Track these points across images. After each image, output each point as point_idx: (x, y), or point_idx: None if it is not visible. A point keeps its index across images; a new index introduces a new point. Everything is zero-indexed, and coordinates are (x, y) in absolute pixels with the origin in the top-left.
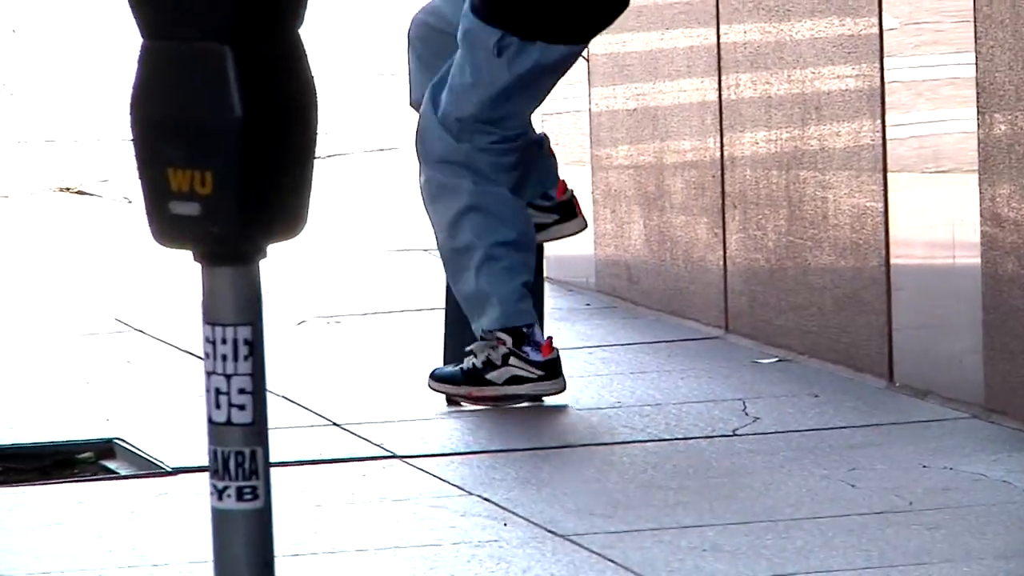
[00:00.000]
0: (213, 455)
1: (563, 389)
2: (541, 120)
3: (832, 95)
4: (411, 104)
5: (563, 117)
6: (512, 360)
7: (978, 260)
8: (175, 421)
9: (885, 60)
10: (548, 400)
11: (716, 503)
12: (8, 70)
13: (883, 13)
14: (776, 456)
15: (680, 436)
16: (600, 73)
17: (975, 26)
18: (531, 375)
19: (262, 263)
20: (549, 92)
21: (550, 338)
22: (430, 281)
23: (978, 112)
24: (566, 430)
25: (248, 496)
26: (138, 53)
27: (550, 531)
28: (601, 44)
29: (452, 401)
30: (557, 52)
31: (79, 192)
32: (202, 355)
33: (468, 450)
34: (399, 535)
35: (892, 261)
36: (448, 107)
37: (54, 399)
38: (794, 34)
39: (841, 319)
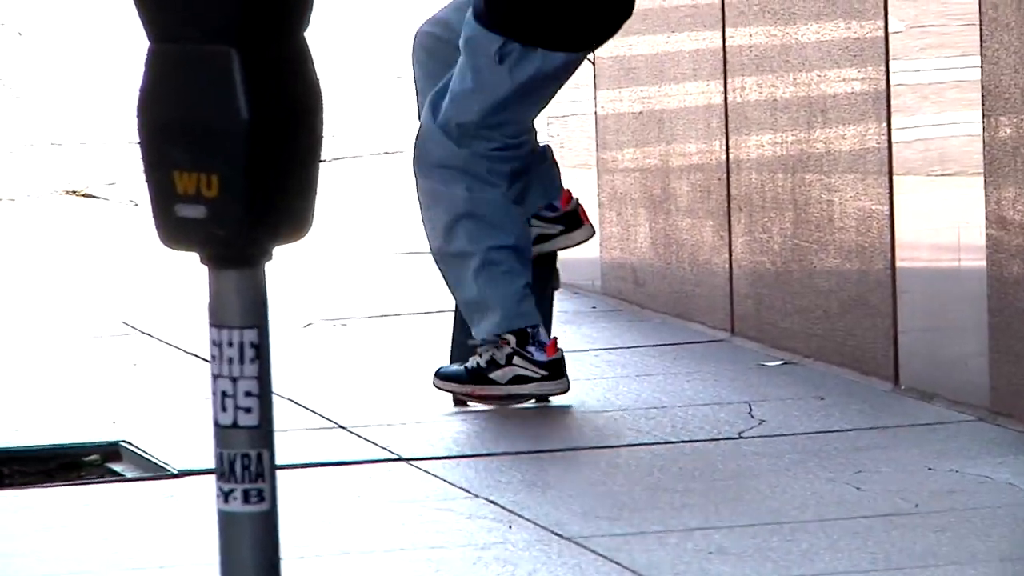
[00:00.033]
0: (219, 458)
1: (567, 389)
2: (547, 123)
3: (838, 98)
4: (420, 117)
5: (569, 120)
6: (516, 360)
7: (984, 263)
8: (181, 424)
9: (891, 63)
10: (554, 402)
11: (722, 506)
12: (15, 73)
13: (889, 16)
14: (782, 459)
15: (686, 439)
16: (606, 76)
17: (981, 29)
18: (535, 375)
19: (268, 266)
20: (551, 99)
21: (555, 338)
22: (436, 284)
23: (983, 115)
24: (572, 433)
25: (254, 499)
26: (144, 56)
27: (556, 533)
28: (607, 47)
29: (459, 400)
30: (558, 59)
31: (86, 195)
32: (208, 358)
33: (474, 452)
34: (405, 537)
35: (898, 264)
36: (449, 113)
37: (60, 402)
38: (800, 37)
39: (847, 322)
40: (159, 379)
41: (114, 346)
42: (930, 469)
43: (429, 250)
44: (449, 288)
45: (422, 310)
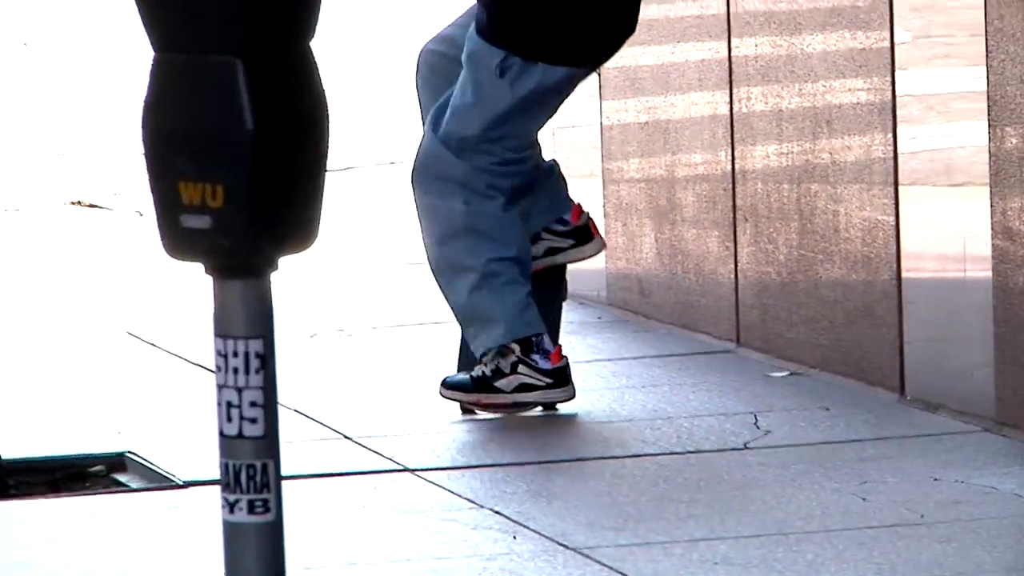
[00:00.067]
0: (225, 468)
1: (572, 397)
2: (552, 133)
3: (843, 108)
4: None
5: (575, 130)
6: (521, 368)
7: (989, 273)
8: (186, 434)
9: (896, 73)
10: (559, 412)
11: (727, 516)
12: (20, 83)
13: (895, 26)
14: (787, 469)
15: (691, 449)
16: (612, 86)
17: (986, 39)
18: (540, 383)
19: (273, 276)
20: (553, 113)
21: (559, 346)
22: (441, 295)
23: (989, 125)
24: (577, 443)
25: (260, 509)
26: (150, 66)
27: (561, 544)
28: (613, 57)
29: (466, 409)
30: (559, 73)
31: (91, 205)
32: (213, 368)
33: (479, 463)
34: (410, 548)
35: (903, 274)
36: (450, 126)
37: (65, 412)
38: (805, 47)
39: (852, 332)
40: (164, 389)
41: (119, 356)
42: (936, 480)
43: (428, 264)
44: (448, 302)
45: (427, 320)
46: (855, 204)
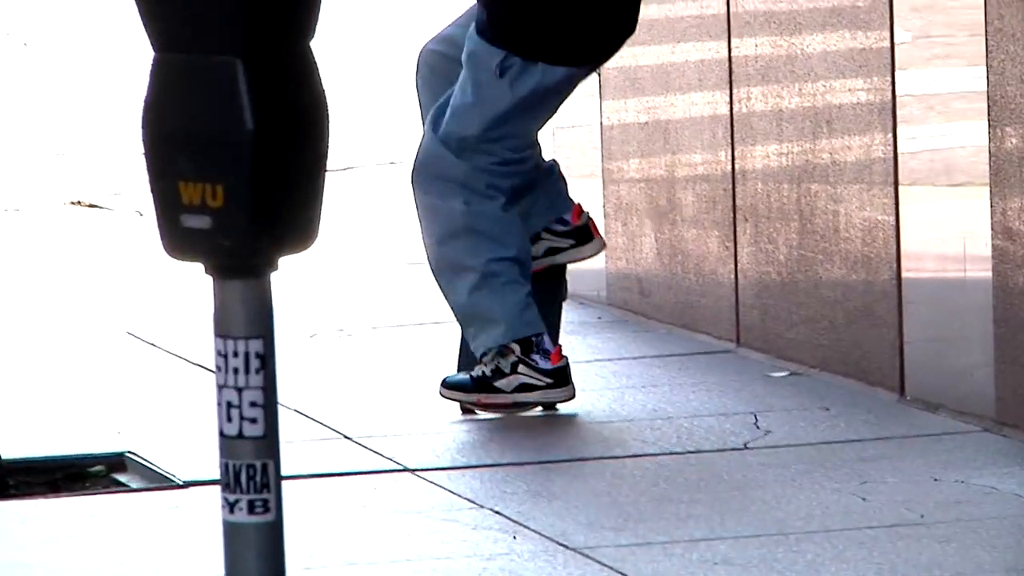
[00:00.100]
0: (225, 468)
1: (572, 396)
2: (552, 133)
3: (843, 108)
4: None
5: (575, 130)
6: (521, 368)
7: (989, 273)
8: (186, 434)
9: (897, 73)
10: (559, 412)
11: (727, 516)
12: (20, 83)
13: (895, 26)
14: (787, 469)
15: (691, 449)
16: (612, 86)
17: (987, 39)
18: (540, 383)
19: (273, 276)
20: (552, 113)
21: (559, 346)
22: (441, 295)
23: (989, 125)
24: (577, 443)
25: (260, 509)
26: (150, 66)
27: (561, 544)
28: (613, 57)
29: (466, 409)
30: (559, 73)
31: (91, 205)
32: (213, 368)
33: (479, 463)
34: (411, 548)
35: (903, 274)
36: (450, 126)
37: (65, 412)
38: (805, 47)
39: (852, 332)
40: (164, 389)
41: (119, 356)
42: (936, 480)
43: (428, 264)
44: (448, 302)
45: (427, 321)
46: (855, 204)
